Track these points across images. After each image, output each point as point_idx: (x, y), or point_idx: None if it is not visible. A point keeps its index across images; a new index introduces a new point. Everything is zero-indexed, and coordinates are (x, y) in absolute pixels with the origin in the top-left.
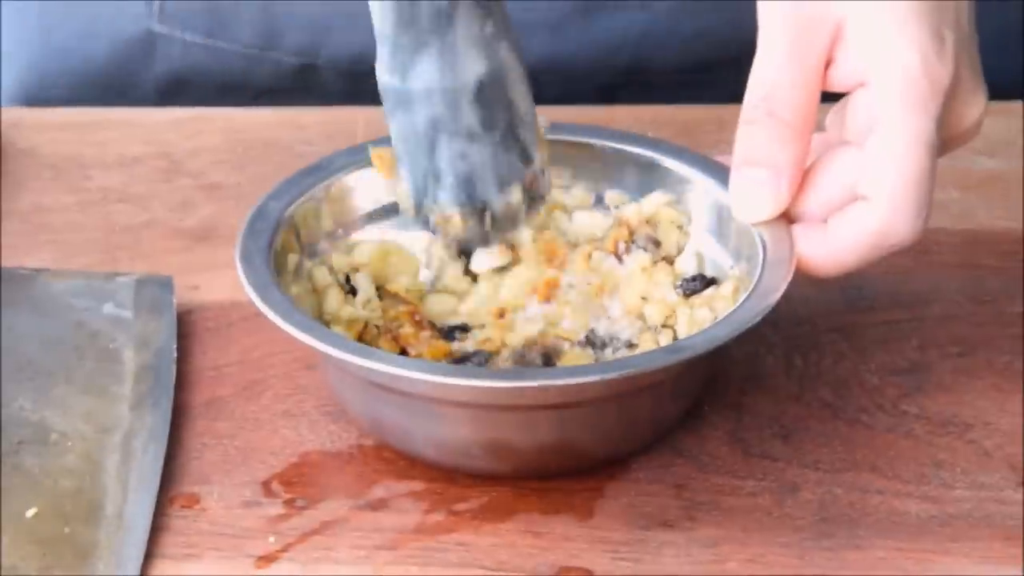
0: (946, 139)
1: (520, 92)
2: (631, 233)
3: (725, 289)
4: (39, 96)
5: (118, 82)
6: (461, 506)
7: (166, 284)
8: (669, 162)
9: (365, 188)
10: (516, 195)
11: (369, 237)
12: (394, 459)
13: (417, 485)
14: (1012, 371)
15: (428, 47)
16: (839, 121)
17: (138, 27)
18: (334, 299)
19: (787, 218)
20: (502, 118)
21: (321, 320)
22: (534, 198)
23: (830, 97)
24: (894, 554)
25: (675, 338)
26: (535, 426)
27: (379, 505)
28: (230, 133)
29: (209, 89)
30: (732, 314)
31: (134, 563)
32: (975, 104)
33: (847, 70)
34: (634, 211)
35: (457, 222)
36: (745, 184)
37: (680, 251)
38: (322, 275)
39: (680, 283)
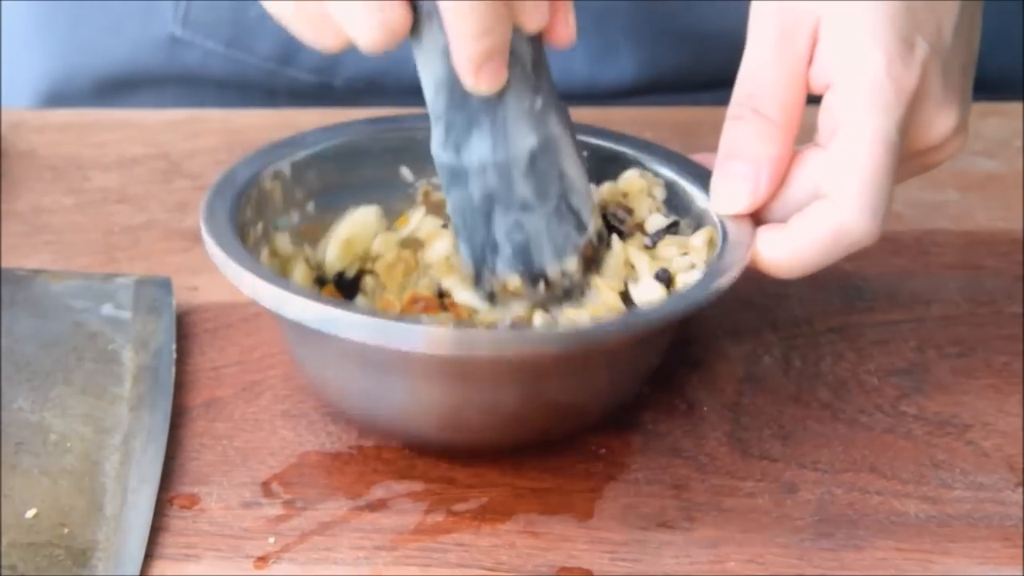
0: (912, 152)
1: (571, 162)
2: (604, 208)
3: (698, 240)
4: (64, 91)
5: (140, 82)
6: (460, 506)
7: (165, 285)
8: (631, 156)
9: (335, 162)
10: (572, 264)
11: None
12: (393, 460)
13: (416, 485)
14: (1011, 372)
15: (480, 124)
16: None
17: (161, 30)
18: (300, 275)
19: (754, 219)
20: (555, 188)
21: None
22: (591, 266)
23: (815, 100)
24: (893, 554)
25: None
26: (491, 391)
27: (378, 506)
28: (228, 134)
29: (226, 98)
30: (686, 291)
31: (133, 564)
32: (944, 119)
33: (820, 71)
34: (607, 188)
35: (516, 287)
36: (726, 177)
37: (651, 213)
38: (283, 242)
39: (649, 239)
